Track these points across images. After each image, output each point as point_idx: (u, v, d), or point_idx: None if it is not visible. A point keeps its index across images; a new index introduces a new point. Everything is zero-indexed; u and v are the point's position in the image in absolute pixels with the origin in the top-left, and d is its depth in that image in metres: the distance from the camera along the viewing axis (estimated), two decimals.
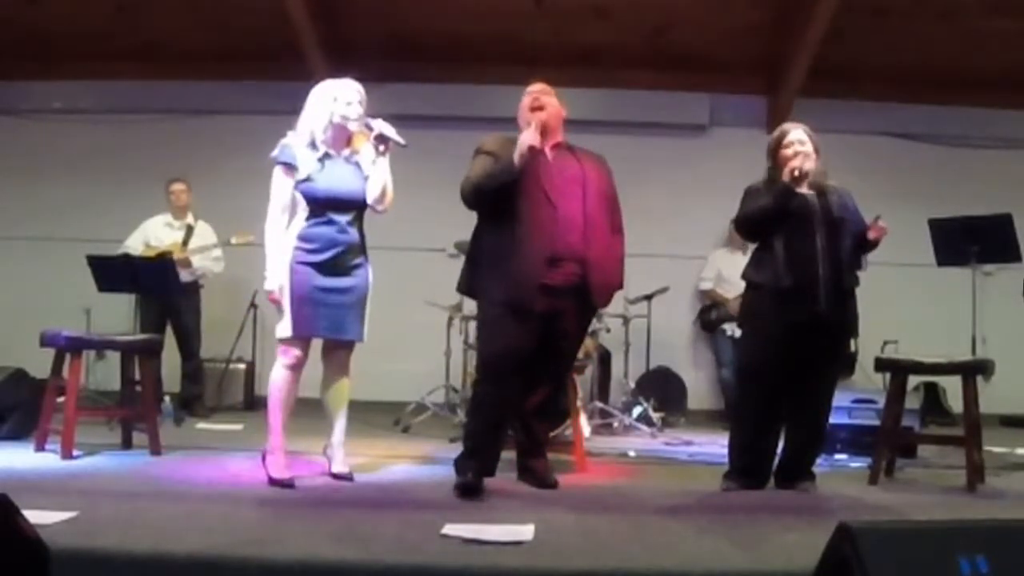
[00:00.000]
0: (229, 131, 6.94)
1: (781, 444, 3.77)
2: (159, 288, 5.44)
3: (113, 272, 5.26)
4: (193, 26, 6.71)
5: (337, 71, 3.72)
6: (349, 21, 6.76)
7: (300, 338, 3.57)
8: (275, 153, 3.60)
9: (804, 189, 3.66)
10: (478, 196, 3.52)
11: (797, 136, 3.70)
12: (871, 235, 3.63)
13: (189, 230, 6.05)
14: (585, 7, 6.50)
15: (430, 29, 6.71)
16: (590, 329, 5.51)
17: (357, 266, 3.68)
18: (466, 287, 3.70)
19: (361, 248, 3.71)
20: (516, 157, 3.42)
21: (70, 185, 7.10)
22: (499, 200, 3.48)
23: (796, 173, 3.54)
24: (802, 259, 3.59)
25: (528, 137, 3.43)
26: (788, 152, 3.66)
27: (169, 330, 5.96)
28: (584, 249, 3.53)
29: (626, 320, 6.18)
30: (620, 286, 3.81)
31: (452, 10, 6.53)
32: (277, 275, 3.53)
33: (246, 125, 6.80)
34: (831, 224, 3.61)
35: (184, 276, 5.88)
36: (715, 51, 6.78)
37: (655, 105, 7.03)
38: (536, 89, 3.68)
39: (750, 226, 3.77)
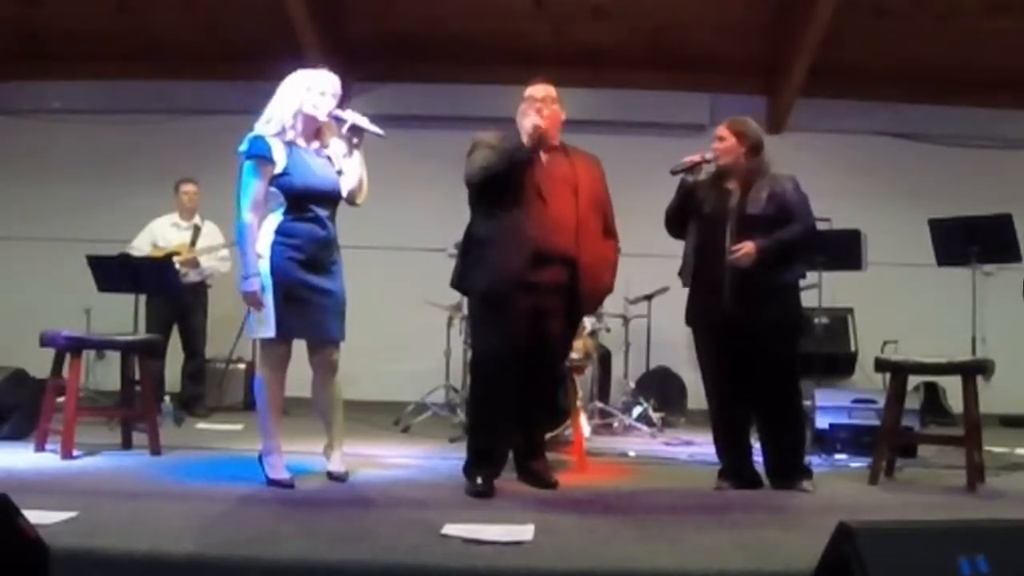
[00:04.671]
0: (229, 131, 6.88)
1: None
2: (159, 288, 5.45)
3: (112, 272, 5.26)
4: (193, 26, 6.72)
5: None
6: (349, 21, 6.76)
7: (285, 337, 3.47)
8: (244, 147, 3.47)
9: (731, 185, 3.67)
10: (485, 175, 3.46)
11: (718, 131, 3.73)
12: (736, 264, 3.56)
13: (196, 230, 6.05)
14: (585, 7, 6.50)
15: (430, 29, 6.71)
16: (590, 329, 5.52)
17: (335, 263, 3.58)
18: (456, 280, 3.69)
19: (337, 244, 3.61)
20: (525, 138, 3.44)
21: (70, 185, 7.10)
22: (499, 191, 3.46)
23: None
24: (711, 258, 3.62)
25: (533, 119, 3.45)
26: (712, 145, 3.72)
27: (173, 330, 5.97)
28: (575, 252, 3.52)
29: (626, 320, 6.18)
30: (610, 290, 3.81)
31: (452, 10, 6.53)
32: (259, 275, 3.38)
33: (246, 125, 6.78)
34: (743, 221, 3.59)
35: (192, 276, 5.90)
36: (715, 51, 6.78)
37: (655, 105, 7.03)
38: (539, 96, 3.62)
39: (668, 221, 3.86)
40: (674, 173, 3.72)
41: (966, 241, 4.96)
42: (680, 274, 3.83)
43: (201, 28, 6.71)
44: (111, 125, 7.14)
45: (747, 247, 3.51)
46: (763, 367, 3.62)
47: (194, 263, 5.93)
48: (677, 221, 3.81)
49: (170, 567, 2.32)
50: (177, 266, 5.65)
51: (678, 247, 7.26)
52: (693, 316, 3.81)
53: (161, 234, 6.01)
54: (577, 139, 3.82)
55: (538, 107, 3.59)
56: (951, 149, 7.11)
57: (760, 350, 3.60)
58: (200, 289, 6.07)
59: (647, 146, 7.04)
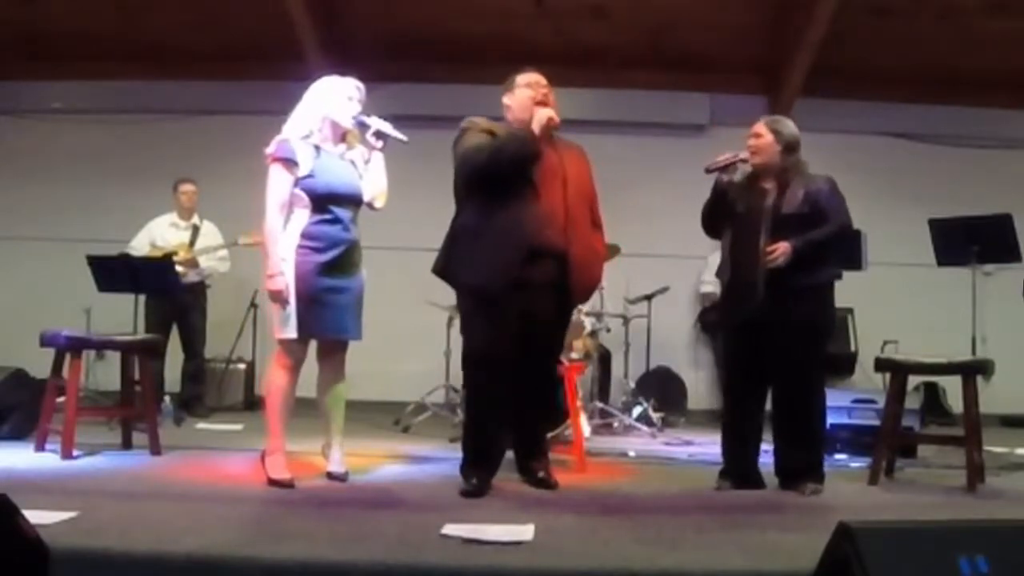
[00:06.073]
0: (229, 131, 6.94)
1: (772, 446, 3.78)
2: (159, 288, 5.45)
3: (113, 272, 5.26)
4: (193, 26, 6.72)
5: (337, 71, 3.72)
6: (349, 21, 6.76)
7: (304, 339, 3.55)
8: (271, 149, 3.53)
9: (767, 184, 3.66)
10: (493, 164, 3.39)
11: (754, 128, 3.73)
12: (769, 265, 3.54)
13: (195, 230, 6.04)
14: (585, 7, 6.50)
15: (430, 29, 6.71)
16: (590, 329, 5.52)
17: (356, 265, 3.65)
18: (441, 267, 3.62)
19: (359, 246, 3.68)
20: (536, 127, 3.40)
21: (70, 185, 7.10)
22: (493, 182, 3.41)
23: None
24: (745, 257, 3.61)
25: (549, 111, 3.44)
26: (747, 143, 3.71)
27: (173, 330, 5.97)
28: (565, 245, 3.49)
29: (626, 320, 6.18)
30: (599, 283, 3.82)
31: (452, 10, 6.54)
32: (283, 273, 3.46)
33: (246, 125, 6.76)
34: (779, 220, 3.57)
35: (191, 276, 5.90)
36: (715, 51, 6.78)
37: (655, 105, 7.03)
38: (543, 83, 3.57)
39: (703, 220, 3.86)
40: (708, 171, 3.70)
41: (966, 241, 4.96)
42: (718, 274, 3.82)
43: (201, 28, 6.71)
44: (111, 125, 7.14)
45: (783, 247, 3.49)
46: (789, 367, 3.60)
47: (193, 263, 5.92)
48: (711, 221, 3.80)
49: (170, 567, 2.32)
50: (176, 266, 5.65)
51: (678, 247, 7.29)
52: (726, 314, 3.79)
53: (160, 234, 6.01)
54: (577, 139, 3.80)
55: (544, 93, 3.56)
56: (951, 149, 7.11)
57: (788, 350, 3.57)
58: (199, 289, 6.07)
59: (647, 146, 7.05)
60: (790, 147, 3.66)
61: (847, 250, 4.52)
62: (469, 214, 3.53)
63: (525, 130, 3.44)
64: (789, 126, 3.70)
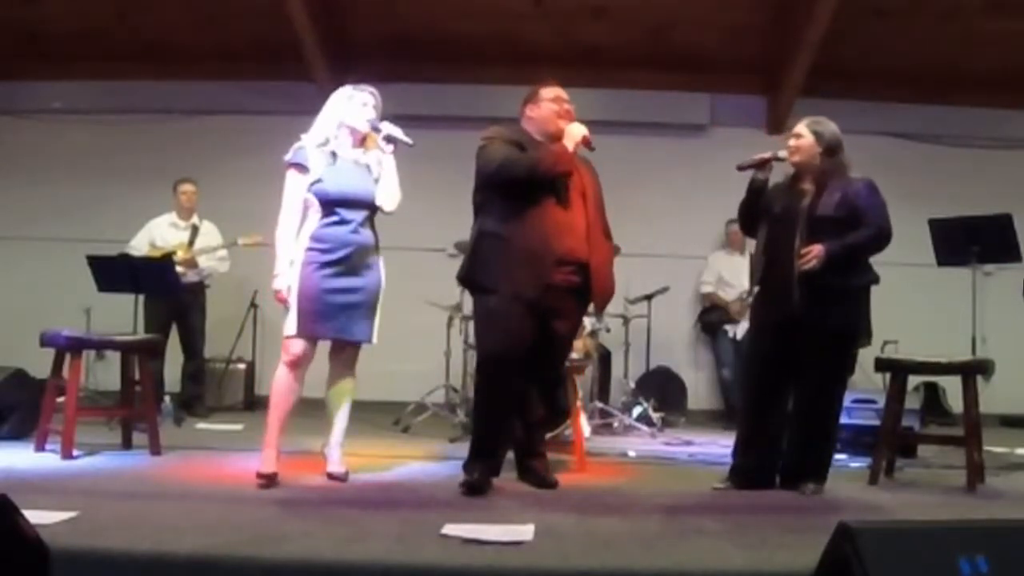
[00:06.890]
0: (229, 131, 6.95)
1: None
2: (159, 288, 5.44)
3: (113, 272, 5.26)
4: (193, 26, 6.71)
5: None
6: (349, 21, 6.76)
7: (303, 337, 3.58)
8: (288, 156, 3.65)
9: (806, 185, 3.66)
10: (530, 177, 3.48)
11: (795, 129, 3.73)
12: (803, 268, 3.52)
13: (195, 230, 6.04)
14: (585, 7, 6.50)
15: (430, 29, 6.71)
16: (590, 329, 5.53)
17: (369, 267, 3.71)
18: (467, 274, 3.64)
19: (375, 248, 3.76)
20: (570, 144, 3.49)
21: (70, 185, 7.09)
22: (520, 190, 3.48)
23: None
24: (779, 257, 3.60)
25: (582, 128, 3.53)
26: (788, 143, 3.71)
27: (172, 330, 5.97)
28: (587, 255, 3.56)
29: (626, 320, 6.18)
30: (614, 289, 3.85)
31: (452, 10, 6.53)
32: (286, 275, 3.56)
33: (246, 125, 6.81)
34: (813, 222, 3.55)
35: (190, 276, 5.90)
36: (715, 51, 6.78)
37: (655, 105, 7.02)
38: (565, 97, 3.67)
39: (739, 217, 3.86)
40: (741, 169, 3.70)
41: (966, 241, 4.96)
42: (750, 275, 3.82)
43: (201, 28, 6.71)
44: (111, 125, 7.14)
45: (816, 250, 3.47)
46: (815, 370, 3.59)
47: (192, 263, 5.92)
48: (748, 219, 3.80)
49: (170, 567, 2.32)
50: (176, 266, 5.65)
51: (678, 247, 7.29)
52: (759, 314, 3.78)
53: (159, 234, 6.01)
54: None
55: (567, 109, 3.65)
56: (951, 149, 7.10)
57: (817, 353, 3.56)
58: (198, 289, 6.06)
59: (647, 146, 7.05)
60: (831, 149, 3.65)
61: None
62: (493, 221, 3.55)
63: (558, 148, 3.54)
64: (831, 128, 3.69)
